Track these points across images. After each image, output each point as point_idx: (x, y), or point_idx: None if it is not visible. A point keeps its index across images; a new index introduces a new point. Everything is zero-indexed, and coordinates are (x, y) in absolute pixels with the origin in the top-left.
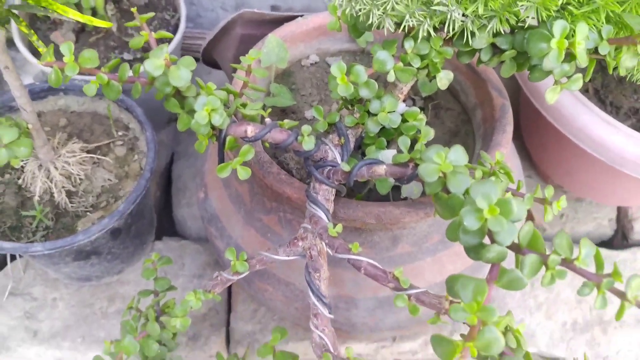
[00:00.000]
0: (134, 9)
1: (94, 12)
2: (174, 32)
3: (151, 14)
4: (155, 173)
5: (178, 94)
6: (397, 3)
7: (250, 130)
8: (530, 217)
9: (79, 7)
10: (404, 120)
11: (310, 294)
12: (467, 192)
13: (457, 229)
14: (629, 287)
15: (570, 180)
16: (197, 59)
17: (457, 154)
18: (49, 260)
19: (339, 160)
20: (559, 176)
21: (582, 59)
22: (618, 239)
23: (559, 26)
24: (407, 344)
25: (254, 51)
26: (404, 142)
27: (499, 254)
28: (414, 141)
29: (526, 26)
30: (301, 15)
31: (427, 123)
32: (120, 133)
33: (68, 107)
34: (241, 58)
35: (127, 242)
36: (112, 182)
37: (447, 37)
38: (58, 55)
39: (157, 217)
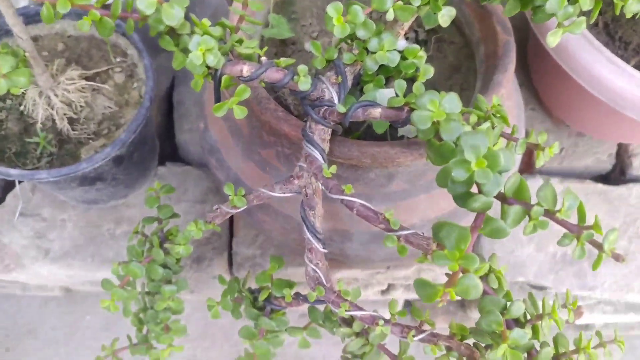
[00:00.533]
0: None
1: None
2: None
3: None
4: (155, 99)
5: (172, 31)
6: None
7: (246, 69)
8: (529, 150)
9: None
10: (403, 58)
11: (306, 230)
12: (458, 139)
13: (446, 176)
14: (606, 240)
15: (572, 116)
16: None
17: (452, 102)
18: (55, 186)
19: (335, 99)
20: (561, 111)
21: (585, 3)
22: (616, 174)
23: None
24: (401, 271)
25: None
26: (399, 85)
27: (485, 204)
28: (414, 78)
29: None
30: None
31: (428, 57)
32: (118, 59)
33: (65, 31)
34: None
35: (130, 168)
36: (113, 109)
37: None
38: None
39: (160, 142)
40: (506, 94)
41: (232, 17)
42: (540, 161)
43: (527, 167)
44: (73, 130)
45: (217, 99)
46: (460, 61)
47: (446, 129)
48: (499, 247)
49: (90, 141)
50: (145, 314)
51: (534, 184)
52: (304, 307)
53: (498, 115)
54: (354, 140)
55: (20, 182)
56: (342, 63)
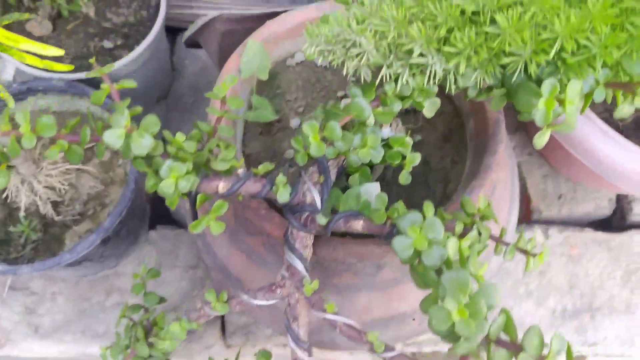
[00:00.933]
0: None
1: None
2: (155, 13)
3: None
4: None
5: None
6: (373, 54)
7: (222, 186)
8: (526, 198)
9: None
10: (389, 146)
11: (290, 339)
12: (441, 272)
13: (431, 303)
14: None
15: (567, 170)
16: (181, 28)
17: (434, 228)
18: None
19: (318, 202)
20: (556, 163)
21: (573, 119)
22: (616, 219)
23: (547, 85)
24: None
25: (230, 77)
26: (381, 198)
27: (469, 350)
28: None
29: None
30: (284, 11)
31: (418, 128)
32: None
33: (49, 107)
34: (215, 89)
35: (118, 243)
36: (98, 188)
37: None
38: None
39: (151, 203)
40: (501, 161)
41: (210, 117)
42: (529, 268)
43: (526, 216)
44: (57, 213)
45: (194, 217)
46: (452, 131)
47: (428, 255)
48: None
49: (75, 225)
50: None
51: (532, 236)
52: None
53: (486, 216)
54: (338, 240)
55: None
56: (325, 159)
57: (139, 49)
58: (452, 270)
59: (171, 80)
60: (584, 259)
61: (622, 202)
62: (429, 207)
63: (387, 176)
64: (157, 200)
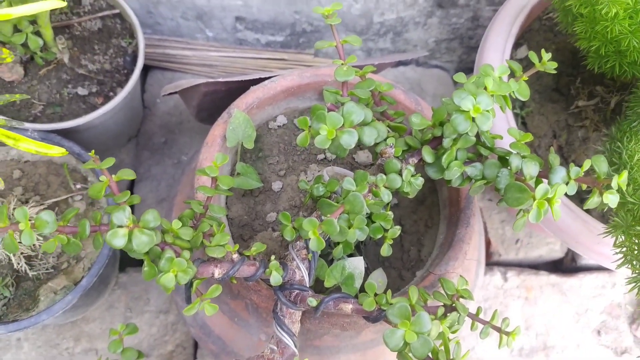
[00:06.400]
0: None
1: (44, 47)
2: (133, 61)
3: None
4: None
5: None
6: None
7: (218, 272)
8: (487, 242)
9: (25, 46)
10: (371, 220)
11: None
12: (433, 352)
13: None
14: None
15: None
16: (157, 67)
17: (422, 323)
18: None
19: (306, 279)
20: (514, 211)
21: (557, 215)
22: (568, 261)
23: (541, 190)
24: None
25: (220, 155)
26: (370, 287)
27: None
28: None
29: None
30: (267, 78)
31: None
32: (78, 186)
33: (21, 157)
34: (206, 168)
35: (90, 293)
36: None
37: (418, 163)
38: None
39: None
40: (473, 233)
41: (200, 196)
42: (502, 345)
43: (486, 257)
44: (31, 266)
45: (188, 300)
46: (425, 194)
47: (416, 347)
48: (461, 343)
49: (49, 281)
50: None
51: (491, 279)
52: None
53: (464, 295)
54: (324, 314)
55: None
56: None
57: (117, 99)
58: None
59: (142, 118)
60: (540, 301)
61: None
62: (414, 292)
63: (365, 239)
64: None
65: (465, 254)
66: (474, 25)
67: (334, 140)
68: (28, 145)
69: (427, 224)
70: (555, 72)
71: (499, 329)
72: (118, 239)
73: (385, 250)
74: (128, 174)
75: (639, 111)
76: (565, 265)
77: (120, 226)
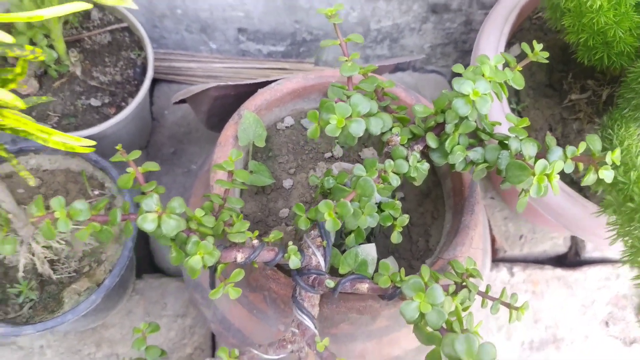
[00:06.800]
0: None
1: (57, 60)
2: (142, 73)
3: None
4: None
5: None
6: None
7: (240, 256)
8: (492, 239)
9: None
10: (381, 210)
11: None
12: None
13: (437, 358)
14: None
15: (527, 214)
16: (163, 80)
17: (436, 294)
18: None
19: (322, 264)
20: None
21: (556, 190)
22: (572, 255)
23: (540, 165)
24: None
25: (235, 151)
26: (384, 267)
27: None
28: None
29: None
30: (274, 81)
31: (400, 186)
32: (96, 192)
33: (40, 166)
34: (223, 163)
35: (111, 295)
36: (93, 245)
37: (423, 150)
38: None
39: (135, 251)
40: (478, 220)
41: (218, 189)
42: (512, 319)
43: (492, 254)
44: (54, 270)
45: (212, 285)
46: (430, 188)
47: (431, 317)
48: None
49: (72, 283)
50: None
51: (498, 274)
52: None
53: (474, 274)
54: (341, 296)
55: None
56: (325, 224)
57: (129, 108)
58: (460, 335)
59: (151, 130)
60: (546, 294)
61: (576, 240)
62: (426, 270)
63: (374, 230)
64: (140, 249)
65: (471, 239)
66: (467, 30)
67: (343, 129)
68: (60, 138)
69: (433, 215)
70: (547, 61)
71: (507, 305)
72: (148, 223)
73: (395, 238)
74: (153, 166)
75: (628, 97)
76: (569, 259)
77: (149, 212)
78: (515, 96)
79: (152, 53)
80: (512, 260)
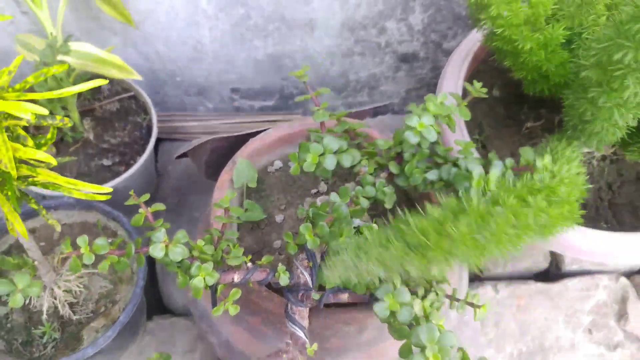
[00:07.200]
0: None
1: (73, 128)
2: (148, 133)
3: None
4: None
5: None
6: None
7: (237, 277)
8: None
9: (59, 128)
10: (360, 232)
11: None
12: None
13: (407, 351)
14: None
15: None
16: (166, 139)
17: (402, 295)
18: None
19: (309, 282)
20: None
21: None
22: (553, 269)
23: (477, 173)
24: None
25: (229, 191)
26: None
27: None
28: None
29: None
30: (264, 130)
31: (379, 213)
32: (110, 240)
33: (59, 221)
34: (220, 201)
35: (124, 333)
36: (108, 287)
37: (388, 177)
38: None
39: (145, 293)
40: None
41: (216, 224)
42: (477, 317)
43: (477, 274)
44: (73, 312)
45: (214, 304)
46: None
47: (400, 314)
48: None
49: (90, 322)
50: None
51: (484, 291)
52: None
53: (443, 281)
54: (327, 310)
55: None
56: (311, 249)
57: (137, 165)
58: (422, 325)
59: (157, 184)
60: (531, 308)
61: (555, 255)
62: (397, 279)
63: None
64: (149, 293)
65: None
66: (436, 74)
67: (318, 164)
68: (84, 189)
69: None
70: (486, 96)
71: (472, 304)
72: (158, 252)
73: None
74: (160, 206)
75: (567, 120)
76: (551, 273)
77: (159, 242)
78: (478, 128)
79: (155, 116)
80: (497, 279)
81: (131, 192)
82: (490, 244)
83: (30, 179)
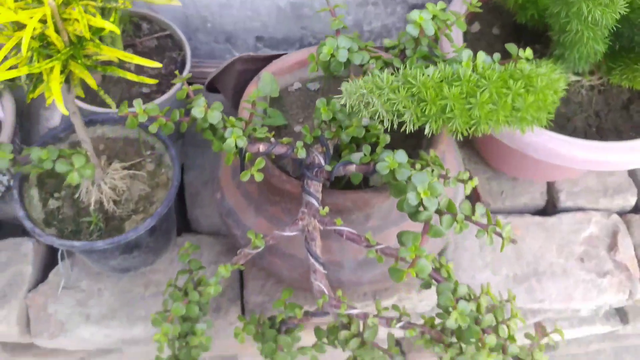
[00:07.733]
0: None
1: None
2: (182, 67)
3: (188, 75)
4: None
5: (211, 127)
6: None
7: (262, 148)
8: (476, 195)
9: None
10: (367, 131)
11: (310, 256)
12: (409, 179)
13: (403, 202)
14: (504, 230)
15: (506, 166)
16: (190, 82)
17: (401, 156)
18: (101, 255)
19: (323, 163)
20: (497, 163)
21: None
22: (549, 207)
23: (466, 54)
24: (386, 301)
25: (254, 89)
26: (366, 148)
27: (428, 216)
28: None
29: None
30: (285, 54)
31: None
32: (148, 152)
33: (104, 135)
34: (248, 97)
35: (159, 237)
36: (147, 191)
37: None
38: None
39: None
40: (446, 149)
41: (244, 113)
42: (467, 190)
43: (475, 200)
44: (117, 209)
45: (242, 169)
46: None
47: (399, 173)
48: (462, 273)
49: (132, 216)
50: (179, 353)
51: None
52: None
53: (436, 163)
54: (338, 190)
55: (62, 259)
56: (325, 138)
57: (170, 92)
58: (417, 174)
59: None
60: (527, 238)
61: (551, 193)
62: (397, 150)
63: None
64: (179, 215)
65: (443, 152)
66: None
67: (332, 55)
68: (140, 61)
69: (414, 147)
70: (480, 10)
71: (463, 181)
72: (198, 112)
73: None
74: (198, 87)
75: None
76: (547, 210)
77: (199, 107)
78: None
79: (189, 51)
80: (496, 212)
81: (176, 72)
82: (475, 110)
83: (94, 57)
